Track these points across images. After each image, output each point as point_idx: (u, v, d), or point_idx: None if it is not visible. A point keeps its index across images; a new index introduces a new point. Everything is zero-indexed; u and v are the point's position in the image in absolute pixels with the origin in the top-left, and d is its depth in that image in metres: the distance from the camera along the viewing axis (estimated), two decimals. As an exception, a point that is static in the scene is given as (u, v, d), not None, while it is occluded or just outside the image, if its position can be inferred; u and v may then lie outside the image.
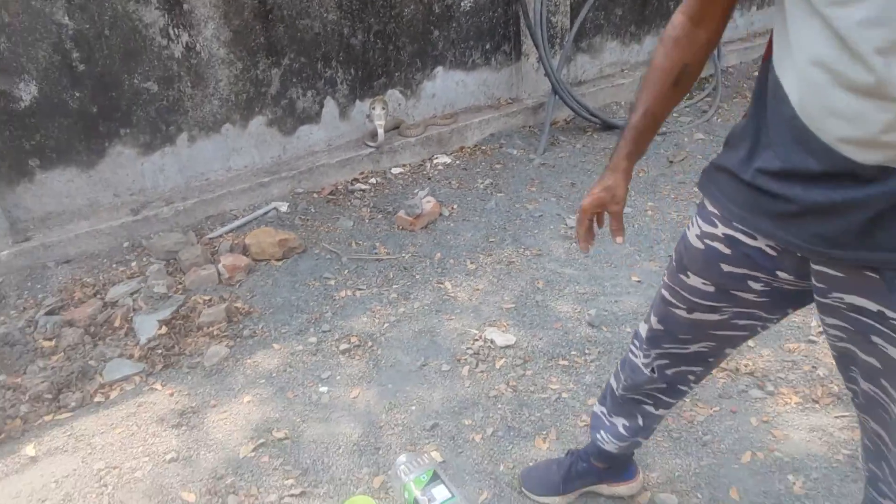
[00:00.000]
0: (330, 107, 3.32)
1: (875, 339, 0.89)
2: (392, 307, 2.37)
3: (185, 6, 2.75)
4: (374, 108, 3.31)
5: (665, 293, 1.15)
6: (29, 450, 1.74)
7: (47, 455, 1.73)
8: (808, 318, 2.18)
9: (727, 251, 1.00)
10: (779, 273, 0.97)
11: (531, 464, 1.66)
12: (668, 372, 1.25)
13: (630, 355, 1.32)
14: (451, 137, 3.62)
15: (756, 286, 1.01)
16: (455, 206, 3.08)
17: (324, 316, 2.32)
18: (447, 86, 3.75)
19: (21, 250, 2.47)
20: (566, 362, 2.06)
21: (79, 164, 2.70)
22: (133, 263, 2.59)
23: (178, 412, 1.87)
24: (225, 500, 1.58)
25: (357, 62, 3.33)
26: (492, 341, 2.16)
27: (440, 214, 2.99)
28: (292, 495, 1.59)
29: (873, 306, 0.87)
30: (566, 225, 2.91)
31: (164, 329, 2.18)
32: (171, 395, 1.95)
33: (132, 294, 2.34)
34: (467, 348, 2.13)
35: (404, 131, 3.51)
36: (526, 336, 2.18)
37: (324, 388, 1.96)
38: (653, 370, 1.26)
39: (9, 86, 2.47)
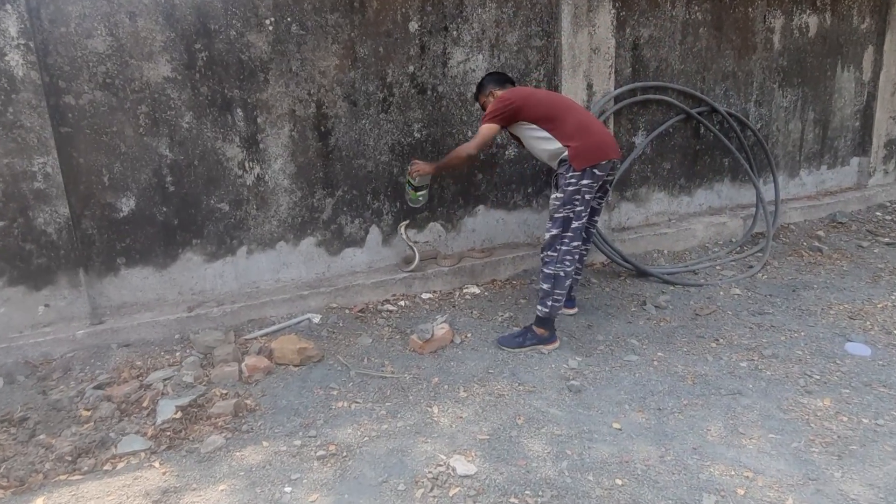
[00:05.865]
0: (374, 234, 3.77)
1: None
2: (377, 423, 2.59)
3: (261, 145, 3.37)
4: (402, 230, 3.71)
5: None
6: (38, 503, 2.10)
7: (50, 509, 2.07)
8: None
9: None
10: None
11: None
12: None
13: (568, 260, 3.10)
14: (483, 270, 3.92)
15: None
16: (469, 335, 3.31)
17: (315, 422, 2.58)
18: (488, 222, 4.11)
19: (94, 331, 3.00)
20: (517, 501, 2.15)
21: (155, 265, 3.27)
22: (177, 353, 3.03)
23: (162, 490, 2.17)
24: (170, 575, 1.81)
25: (402, 197, 3.79)
26: (454, 469, 2.30)
27: (451, 341, 3.24)
28: (226, 581, 1.80)
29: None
30: (568, 366, 3.04)
31: (178, 414, 2.55)
32: (164, 473, 2.26)
33: (165, 380, 2.75)
34: (428, 471, 2.29)
35: (440, 260, 3.87)
36: (488, 468, 2.31)
37: (288, 489, 2.19)
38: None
39: (114, 199, 3.12)
